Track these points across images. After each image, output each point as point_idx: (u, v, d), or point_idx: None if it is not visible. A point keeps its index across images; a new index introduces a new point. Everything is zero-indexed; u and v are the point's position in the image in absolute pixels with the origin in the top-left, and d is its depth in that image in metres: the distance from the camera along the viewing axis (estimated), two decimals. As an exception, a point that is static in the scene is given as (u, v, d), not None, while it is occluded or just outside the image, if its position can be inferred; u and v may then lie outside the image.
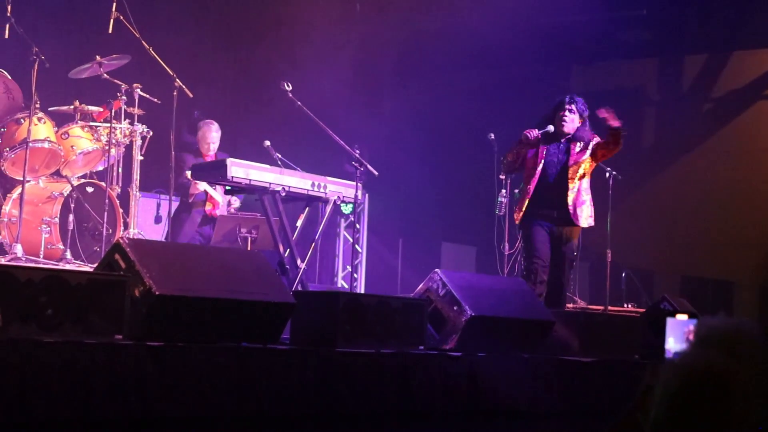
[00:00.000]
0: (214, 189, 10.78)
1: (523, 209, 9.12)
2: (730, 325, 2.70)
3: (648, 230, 13.13)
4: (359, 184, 9.07)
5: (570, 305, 10.46)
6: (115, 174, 9.72)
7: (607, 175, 11.01)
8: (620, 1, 13.42)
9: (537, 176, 9.11)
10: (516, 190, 11.77)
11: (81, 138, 9.59)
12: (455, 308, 6.87)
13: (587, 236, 10.14)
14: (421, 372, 6.11)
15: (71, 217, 9.25)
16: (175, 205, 10.38)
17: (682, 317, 4.02)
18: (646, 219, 13.10)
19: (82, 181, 9.60)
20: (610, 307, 11.05)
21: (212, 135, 11.10)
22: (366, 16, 14.09)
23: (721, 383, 2.51)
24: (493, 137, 11.63)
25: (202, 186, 10.70)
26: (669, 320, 4.01)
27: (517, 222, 9.32)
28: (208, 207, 10.92)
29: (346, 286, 13.32)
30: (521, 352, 7.01)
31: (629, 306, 11.96)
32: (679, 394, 2.53)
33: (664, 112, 13.83)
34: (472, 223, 13.66)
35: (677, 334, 3.99)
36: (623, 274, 12.39)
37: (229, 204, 11.07)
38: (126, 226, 9.61)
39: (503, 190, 11.71)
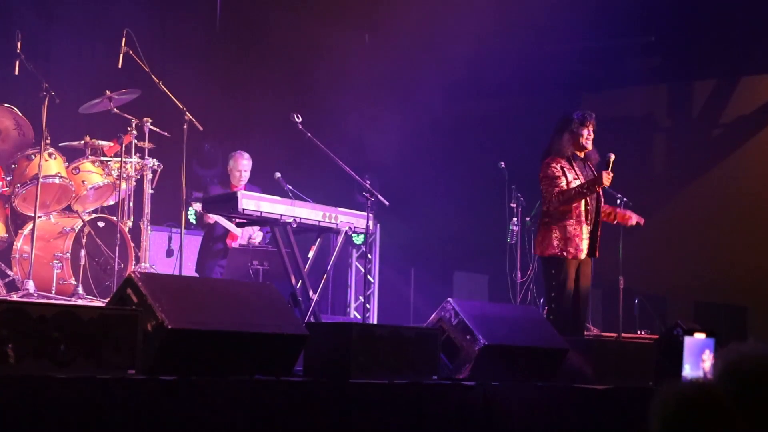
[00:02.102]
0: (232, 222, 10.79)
1: (576, 242, 8.62)
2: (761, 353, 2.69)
3: (660, 256, 13.10)
4: (370, 215, 9.06)
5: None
6: (126, 208, 9.73)
7: (618, 201, 10.97)
8: (629, 28, 13.43)
9: (586, 204, 8.69)
10: (527, 218, 11.77)
11: (92, 173, 9.62)
12: (468, 337, 6.85)
13: (599, 263, 10.08)
14: (435, 402, 6.09)
15: (83, 252, 9.27)
16: (186, 238, 10.37)
17: (699, 336, 3.98)
18: (657, 245, 13.06)
19: (94, 215, 9.62)
20: (623, 334, 11.00)
21: (243, 163, 11.04)
22: (376, 45, 14.13)
23: (714, 411, 2.50)
24: (503, 165, 11.66)
25: (215, 217, 10.67)
26: (686, 339, 3.96)
27: (563, 255, 8.58)
28: (228, 239, 10.94)
29: (358, 316, 13.30)
30: (535, 381, 6.98)
31: (642, 332, 11.89)
32: (674, 419, 2.53)
33: (674, 138, 13.83)
34: (483, 252, 13.64)
35: (694, 357, 3.95)
36: (636, 301, 12.33)
37: (250, 238, 11.05)
38: (138, 260, 9.61)
39: (515, 219, 11.72)
